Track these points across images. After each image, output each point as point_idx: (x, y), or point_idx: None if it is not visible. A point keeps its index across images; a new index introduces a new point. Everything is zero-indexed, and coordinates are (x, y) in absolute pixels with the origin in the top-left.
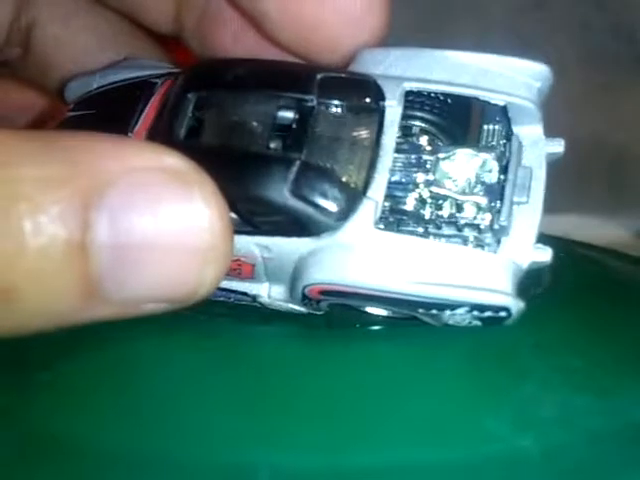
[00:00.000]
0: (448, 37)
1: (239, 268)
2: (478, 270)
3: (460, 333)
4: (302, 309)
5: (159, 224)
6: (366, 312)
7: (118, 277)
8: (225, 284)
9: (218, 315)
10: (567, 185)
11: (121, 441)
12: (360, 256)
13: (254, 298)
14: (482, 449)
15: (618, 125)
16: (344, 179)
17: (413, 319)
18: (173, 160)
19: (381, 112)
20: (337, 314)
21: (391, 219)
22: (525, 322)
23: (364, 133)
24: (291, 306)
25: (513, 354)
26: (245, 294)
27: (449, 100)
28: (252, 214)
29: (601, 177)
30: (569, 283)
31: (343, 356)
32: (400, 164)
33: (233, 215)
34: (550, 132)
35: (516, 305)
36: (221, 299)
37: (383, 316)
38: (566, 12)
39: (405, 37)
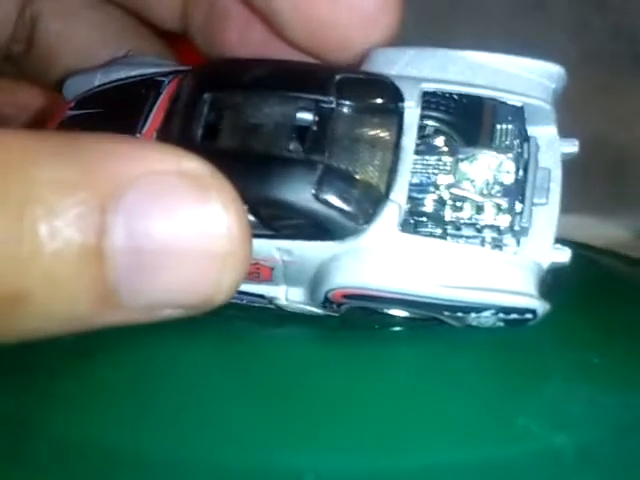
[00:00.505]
0: (448, 38)
1: (257, 272)
2: (502, 272)
3: (479, 334)
4: (319, 311)
5: (176, 229)
6: (386, 313)
7: (134, 282)
8: (241, 287)
9: (233, 317)
10: (567, 185)
11: (147, 447)
12: (386, 260)
13: (270, 300)
14: (517, 448)
15: (618, 125)
16: (367, 182)
17: (433, 320)
18: (191, 164)
19: (400, 114)
20: (355, 316)
21: (410, 221)
22: (531, 326)
23: (384, 135)
24: (308, 308)
25: (533, 353)
26: (262, 297)
27: (462, 100)
28: (274, 218)
29: (601, 177)
30: (570, 284)
31: (368, 358)
32: (419, 166)
33: (253, 218)
34: None
35: (542, 307)
36: (233, 301)
37: (402, 317)
38: (566, 12)
39: (405, 38)
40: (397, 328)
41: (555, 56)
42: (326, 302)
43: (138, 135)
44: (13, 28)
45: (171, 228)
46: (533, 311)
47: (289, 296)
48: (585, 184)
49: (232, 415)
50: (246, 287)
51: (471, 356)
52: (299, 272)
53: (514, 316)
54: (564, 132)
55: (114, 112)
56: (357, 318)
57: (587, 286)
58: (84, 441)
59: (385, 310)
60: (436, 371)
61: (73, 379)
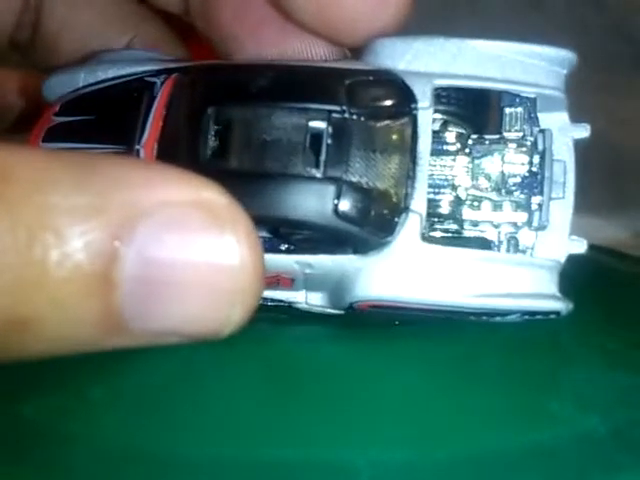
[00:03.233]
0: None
1: (277, 282)
2: (525, 276)
3: (497, 325)
4: (339, 313)
5: (188, 262)
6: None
7: (141, 311)
8: None
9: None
10: None
11: (186, 450)
12: (412, 271)
13: (290, 304)
14: (552, 432)
15: (618, 125)
16: (387, 195)
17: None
18: (209, 194)
19: (414, 116)
20: (372, 313)
21: (429, 222)
22: None
23: (399, 141)
24: (329, 311)
25: (551, 341)
26: (280, 301)
27: (468, 90)
28: (294, 236)
29: (601, 177)
30: (571, 282)
31: (396, 353)
32: (436, 167)
33: (273, 237)
34: None
35: (566, 307)
36: None
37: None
38: (566, 12)
39: (404, 35)
40: (417, 325)
41: None
42: (350, 309)
43: (137, 146)
44: (19, 15)
45: (183, 260)
46: (557, 312)
47: (309, 300)
48: (585, 184)
49: (277, 413)
50: (265, 293)
51: (494, 347)
52: (320, 281)
53: (539, 317)
54: None
55: (106, 120)
56: (373, 314)
57: (589, 282)
58: (121, 447)
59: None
60: (462, 363)
61: (107, 385)
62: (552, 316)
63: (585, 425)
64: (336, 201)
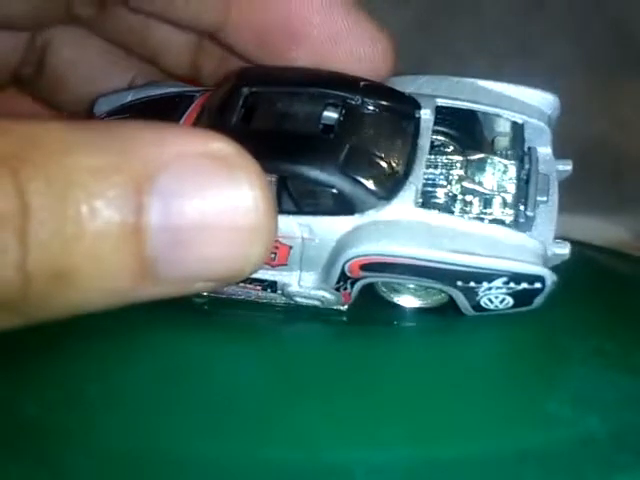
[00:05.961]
0: (447, 37)
1: (275, 252)
2: (511, 244)
3: (493, 325)
4: (330, 297)
5: (207, 206)
6: (397, 304)
7: (170, 257)
8: (255, 274)
9: (249, 317)
10: (567, 185)
11: (187, 447)
12: (402, 229)
13: (283, 288)
14: (551, 433)
15: (618, 125)
16: (389, 164)
17: (444, 308)
18: (218, 144)
19: (417, 119)
20: (367, 311)
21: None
22: (540, 314)
23: (403, 133)
24: (320, 293)
25: (547, 342)
26: (274, 284)
27: (467, 118)
28: (301, 193)
29: (601, 177)
30: (572, 280)
31: (391, 355)
32: (433, 163)
33: (277, 194)
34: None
35: (550, 276)
36: (241, 297)
37: (415, 308)
38: (566, 12)
39: (405, 37)
40: (414, 323)
41: (555, 56)
42: (341, 279)
43: None
44: (23, 53)
45: (202, 205)
46: (542, 280)
47: (302, 282)
48: (585, 184)
49: (274, 412)
50: (260, 274)
51: (492, 347)
52: (316, 251)
53: (524, 286)
54: (564, 132)
55: (146, 117)
56: (368, 312)
57: (588, 282)
58: (118, 444)
59: (396, 299)
60: (460, 364)
61: (105, 382)
62: (537, 285)
63: (584, 426)
64: (343, 160)
